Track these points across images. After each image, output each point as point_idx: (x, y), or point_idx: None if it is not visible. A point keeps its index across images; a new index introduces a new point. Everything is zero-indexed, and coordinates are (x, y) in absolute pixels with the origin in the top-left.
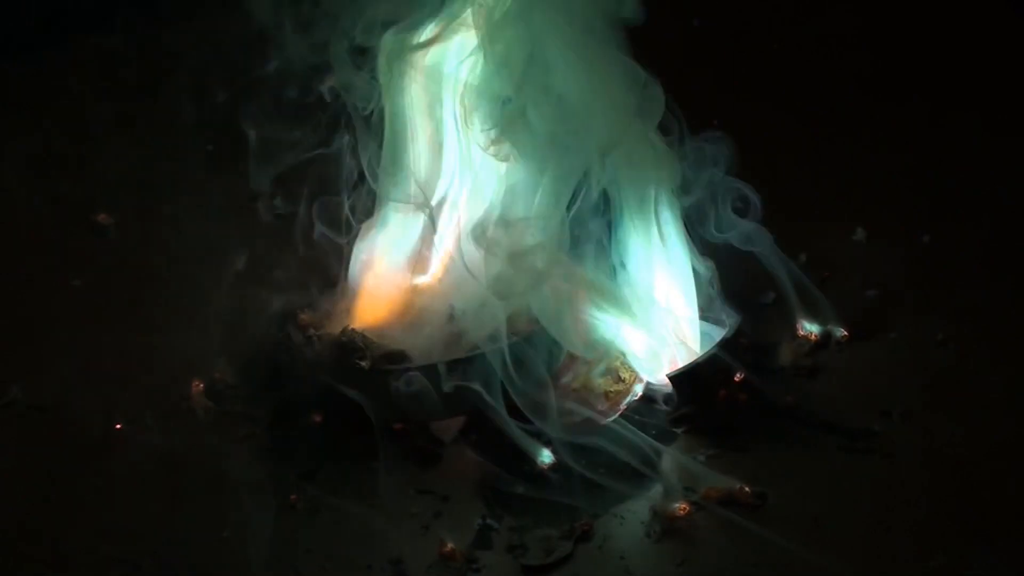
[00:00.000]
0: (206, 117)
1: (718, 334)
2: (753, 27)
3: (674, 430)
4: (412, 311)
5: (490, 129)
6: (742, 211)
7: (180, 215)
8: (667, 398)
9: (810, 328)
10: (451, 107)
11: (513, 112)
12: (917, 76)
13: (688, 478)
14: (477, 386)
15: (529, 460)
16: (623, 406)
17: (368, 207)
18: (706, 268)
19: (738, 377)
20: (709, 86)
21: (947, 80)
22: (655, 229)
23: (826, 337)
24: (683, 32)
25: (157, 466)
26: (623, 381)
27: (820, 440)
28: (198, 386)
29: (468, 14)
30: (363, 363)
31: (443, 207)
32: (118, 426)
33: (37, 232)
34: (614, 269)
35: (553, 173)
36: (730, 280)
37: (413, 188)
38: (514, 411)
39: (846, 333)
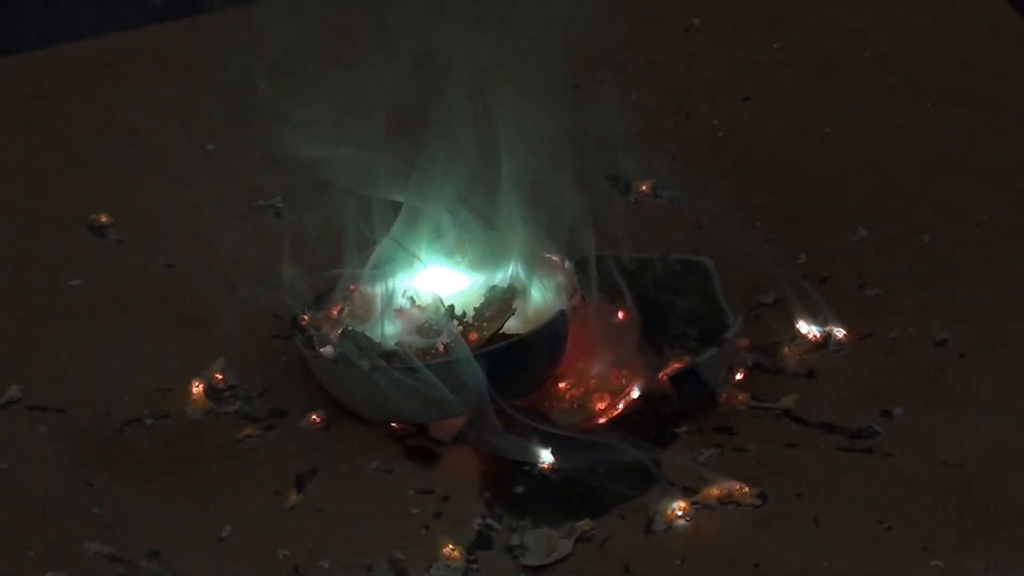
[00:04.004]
0: (207, 116)
1: (719, 334)
2: (753, 27)
3: (674, 430)
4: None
5: None
6: None
7: (180, 215)
8: (666, 398)
9: (810, 328)
10: None
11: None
12: (917, 75)
13: (688, 478)
14: (478, 386)
15: (530, 457)
16: (622, 407)
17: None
18: (707, 267)
19: (738, 377)
20: (709, 86)
21: (947, 80)
22: None
23: (826, 337)
24: (683, 32)
25: (157, 466)
26: (622, 382)
27: (820, 440)
28: (198, 386)
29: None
30: (363, 363)
31: None
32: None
33: (37, 232)
34: None
35: None
36: (730, 280)
37: None
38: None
39: (846, 333)
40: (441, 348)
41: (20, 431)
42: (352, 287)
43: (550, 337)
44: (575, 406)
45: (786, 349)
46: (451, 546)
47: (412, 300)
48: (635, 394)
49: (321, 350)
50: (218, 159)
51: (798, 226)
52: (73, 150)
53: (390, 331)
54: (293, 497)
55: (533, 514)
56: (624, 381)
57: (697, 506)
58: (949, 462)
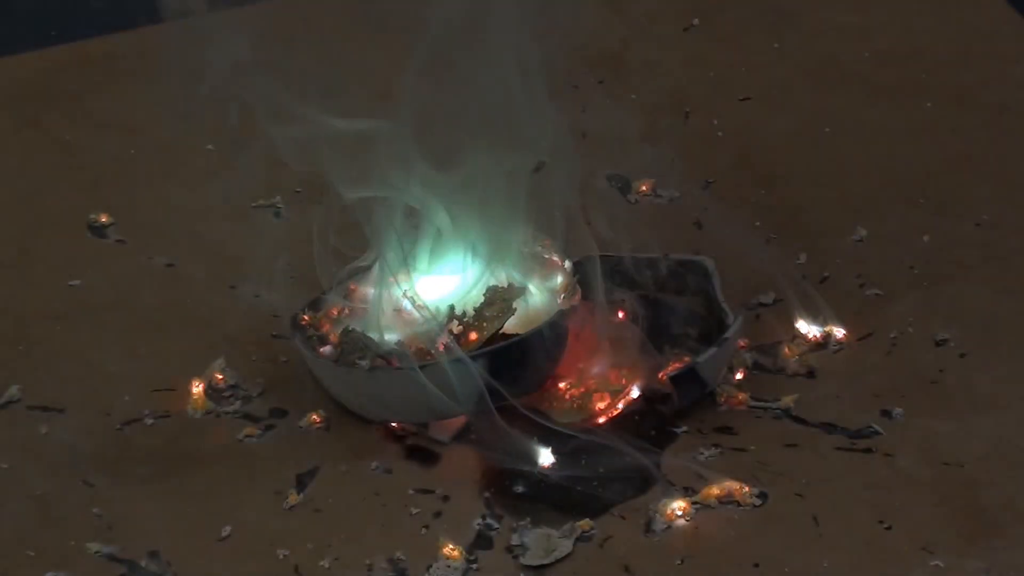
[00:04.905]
0: (207, 115)
1: (719, 334)
2: (753, 27)
3: (674, 430)
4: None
5: None
6: None
7: (180, 215)
8: (666, 398)
9: (810, 328)
10: None
11: None
12: (917, 75)
13: (688, 478)
14: (478, 386)
15: (529, 460)
16: (622, 407)
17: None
18: (707, 267)
19: (738, 377)
20: (709, 86)
21: (947, 80)
22: None
23: (826, 337)
24: (683, 32)
25: (157, 466)
26: (622, 382)
27: (820, 440)
28: (198, 386)
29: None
30: (363, 363)
31: None
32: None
33: (37, 232)
34: None
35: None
36: (730, 280)
37: None
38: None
39: (846, 333)
40: (441, 348)
41: (20, 431)
42: (352, 287)
43: (550, 337)
44: (575, 406)
45: (786, 349)
46: (451, 546)
47: (412, 300)
48: (635, 394)
49: (321, 350)
50: (218, 159)
51: (798, 226)
52: (73, 150)
53: (390, 331)
54: (293, 497)
55: (533, 514)
56: (624, 381)
57: (697, 506)
58: (949, 462)
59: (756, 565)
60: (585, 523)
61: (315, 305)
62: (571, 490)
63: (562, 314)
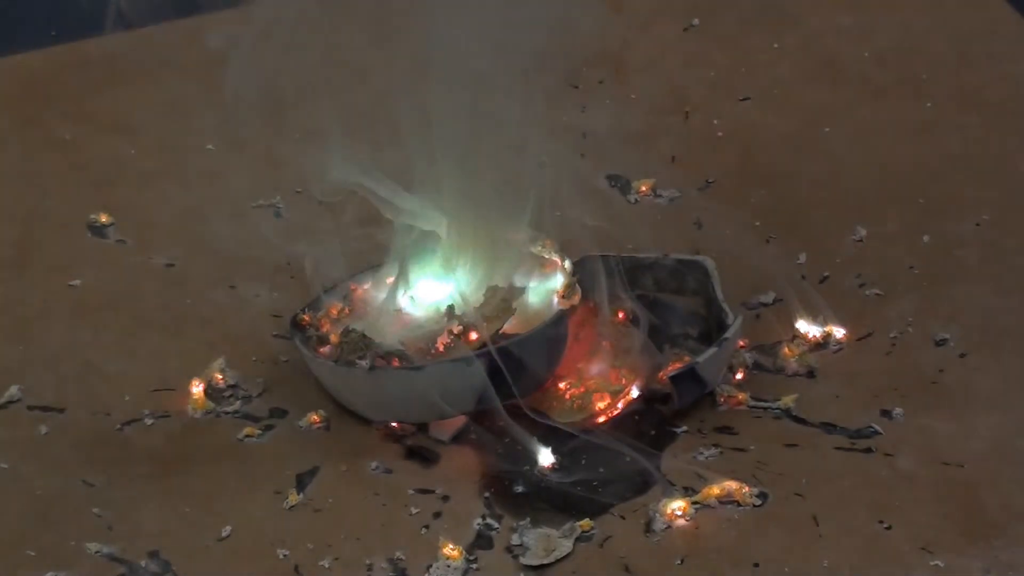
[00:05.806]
0: (207, 113)
1: (719, 334)
2: (753, 27)
3: (674, 430)
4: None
5: None
6: None
7: (180, 215)
8: (666, 398)
9: (810, 328)
10: None
11: None
12: (917, 75)
13: (688, 478)
14: (478, 386)
15: (529, 460)
16: (622, 406)
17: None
18: (707, 267)
19: (738, 377)
20: (709, 86)
21: (947, 80)
22: None
23: (826, 337)
24: (683, 32)
25: (157, 466)
26: (622, 382)
27: (820, 440)
28: (198, 386)
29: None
30: (363, 363)
31: None
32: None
33: (37, 232)
34: None
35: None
36: (730, 280)
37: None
38: (514, 411)
39: (846, 333)
40: (441, 348)
41: (20, 431)
42: (352, 287)
43: (550, 337)
44: (575, 406)
45: (786, 349)
46: (451, 546)
47: (412, 300)
48: (635, 394)
49: (321, 350)
50: (218, 159)
51: (798, 226)
52: (73, 150)
53: (390, 331)
54: (293, 497)
55: (533, 514)
56: (624, 381)
57: (697, 506)
58: (949, 462)
59: (756, 565)
60: (585, 523)
61: (315, 305)
62: (571, 490)
63: (562, 314)
